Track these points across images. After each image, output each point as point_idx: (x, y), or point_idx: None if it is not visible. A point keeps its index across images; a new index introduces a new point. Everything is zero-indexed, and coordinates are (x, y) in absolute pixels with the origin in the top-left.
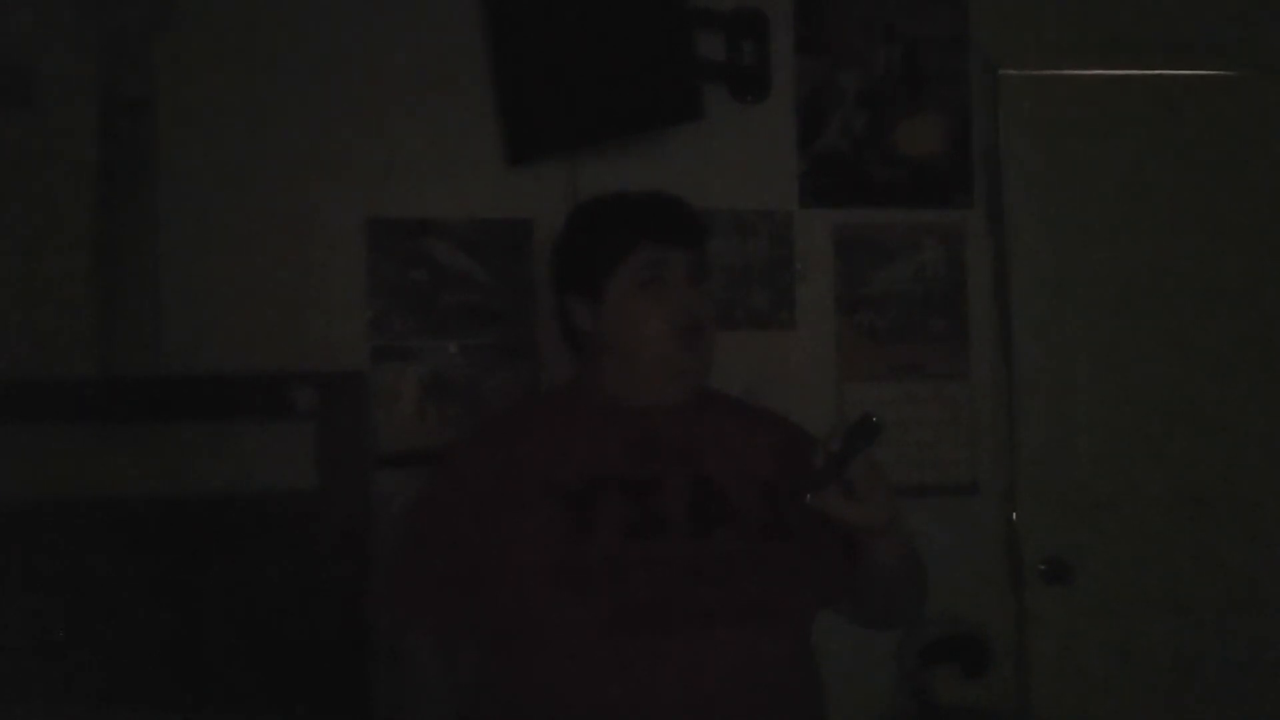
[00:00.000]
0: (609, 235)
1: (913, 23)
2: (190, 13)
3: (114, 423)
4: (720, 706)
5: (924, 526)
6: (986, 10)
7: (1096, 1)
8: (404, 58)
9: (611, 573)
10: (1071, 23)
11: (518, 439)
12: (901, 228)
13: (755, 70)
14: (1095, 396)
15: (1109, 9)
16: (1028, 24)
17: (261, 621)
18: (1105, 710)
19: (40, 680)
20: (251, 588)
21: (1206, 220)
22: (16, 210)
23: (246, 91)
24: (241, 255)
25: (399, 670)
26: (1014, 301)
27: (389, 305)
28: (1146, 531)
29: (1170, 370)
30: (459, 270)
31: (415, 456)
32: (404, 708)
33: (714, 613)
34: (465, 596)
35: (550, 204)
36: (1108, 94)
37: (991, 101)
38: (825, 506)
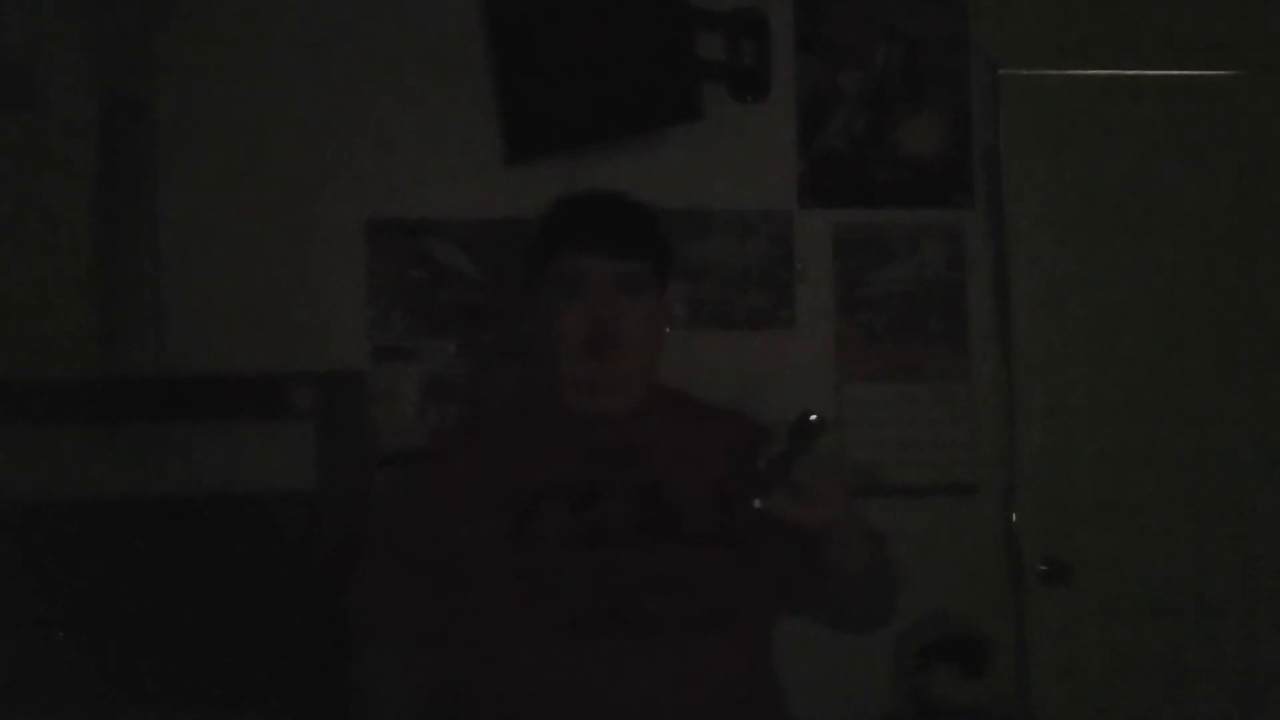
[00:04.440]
0: (539, 239)
1: (913, 23)
2: (190, 13)
3: (114, 423)
4: (667, 717)
5: (924, 526)
6: (986, 10)
7: (1096, 1)
8: (404, 58)
9: (552, 582)
10: (1071, 23)
11: (475, 447)
12: (901, 228)
13: (755, 70)
14: (1095, 396)
15: (1109, 9)
16: (1028, 24)
17: (261, 621)
18: (1105, 710)
19: (40, 680)
20: (251, 588)
21: (1206, 220)
22: (16, 211)
23: (246, 92)
24: (241, 255)
25: (360, 679)
26: (1014, 301)
27: (389, 305)
28: (1146, 531)
29: (1170, 370)
30: (459, 270)
31: (415, 456)
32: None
33: (659, 623)
34: (425, 608)
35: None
36: (1108, 94)
37: (991, 101)
38: (773, 510)
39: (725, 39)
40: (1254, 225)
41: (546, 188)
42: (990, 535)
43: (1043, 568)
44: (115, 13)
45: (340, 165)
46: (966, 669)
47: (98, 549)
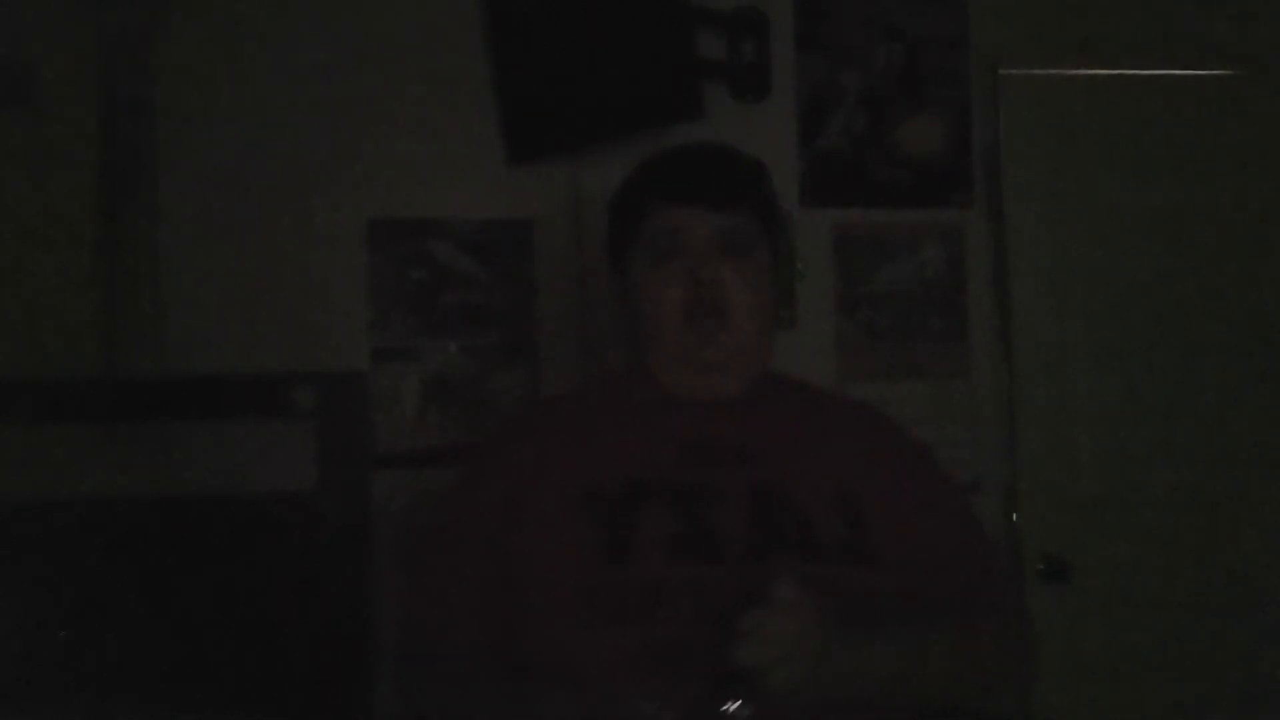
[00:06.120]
0: (628, 197)
1: (913, 23)
2: (190, 13)
3: (114, 423)
4: None
5: None
6: (986, 10)
7: (1096, 1)
8: (404, 58)
9: (653, 600)
10: (1071, 23)
11: (549, 436)
12: (901, 228)
13: (755, 70)
14: (1095, 396)
15: (1109, 9)
16: (1028, 24)
17: (261, 622)
18: (1105, 710)
19: (40, 680)
20: (251, 588)
21: (1206, 220)
22: (17, 210)
23: (247, 92)
24: (241, 255)
25: (410, 702)
26: (1014, 301)
27: (389, 305)
28: (1146, 531)
29: (1170, 369)
30: (460, 270)
31: (415, 457)
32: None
33: None
34: (490, 623)
35: (550, 204)
36: (1108, 94)
37: (991, 101)
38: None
39: (726, 38)
40: (1254, 225)
41: (547, 188)
42: (990, 534)
43: (1042, 567)
44: (115, 12)
45: (341, 165)
46: None
47: (98, 549)
